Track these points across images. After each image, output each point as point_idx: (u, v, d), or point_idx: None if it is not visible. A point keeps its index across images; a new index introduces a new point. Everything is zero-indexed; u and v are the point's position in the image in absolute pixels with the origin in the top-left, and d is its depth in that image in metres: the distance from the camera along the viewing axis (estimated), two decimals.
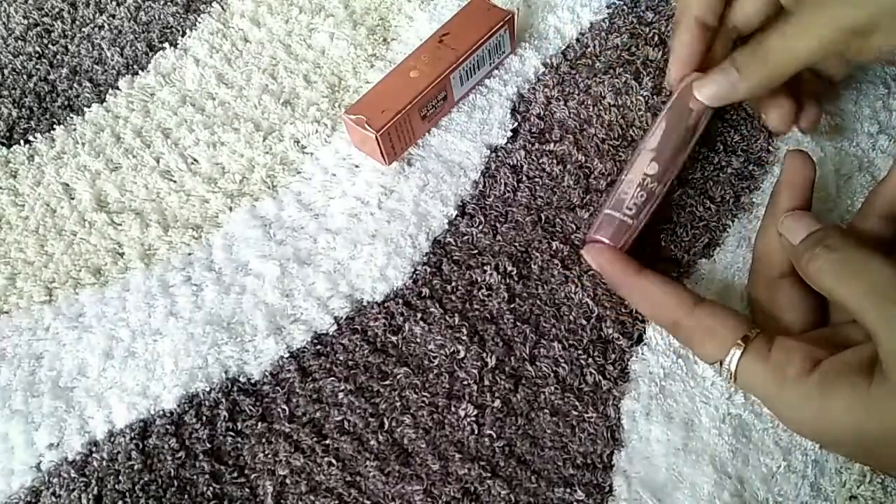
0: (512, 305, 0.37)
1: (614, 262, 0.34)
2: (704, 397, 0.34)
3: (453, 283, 0.38)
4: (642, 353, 0.36)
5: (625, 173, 0.36)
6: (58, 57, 0.51)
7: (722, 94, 0.34)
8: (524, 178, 0.41)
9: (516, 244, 0.39)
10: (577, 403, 0.35)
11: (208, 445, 0.35)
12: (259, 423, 0.35)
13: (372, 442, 0.34)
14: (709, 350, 0.31)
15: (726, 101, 0.35)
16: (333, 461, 0.34)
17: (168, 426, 0.35)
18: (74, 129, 0.47)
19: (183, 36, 0.51)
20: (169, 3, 0.53)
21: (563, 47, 0.46)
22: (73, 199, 0.44)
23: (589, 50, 0.46)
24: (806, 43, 0.31)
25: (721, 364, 0.30)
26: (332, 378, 0.36)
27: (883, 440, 0.26)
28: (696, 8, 0.35)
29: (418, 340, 0.37)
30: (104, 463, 0.35)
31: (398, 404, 0.35)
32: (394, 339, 0.37)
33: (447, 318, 0.37)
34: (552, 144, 0.42)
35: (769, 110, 0.37)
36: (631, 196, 0.35)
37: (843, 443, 0.28)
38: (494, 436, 0.34)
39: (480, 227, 0.40)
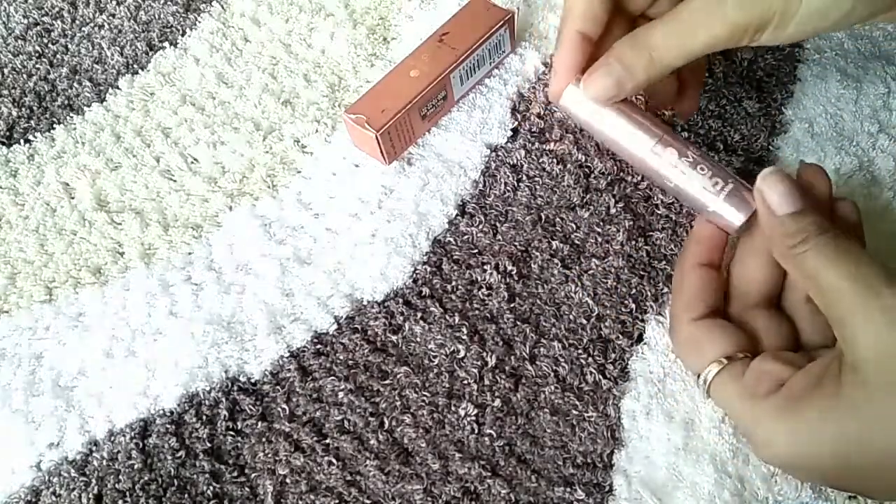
0: (512, 305, 0.37)
1: (690, 242, 0.33)
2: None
3: (453, 283, 0.38)
4: (642, 353, 0.36)
5: (668, 184, 0.32)
6: (58, 56, 0.51)
7: (608, 93, 0.32)
8: (524, 178, 0.42)
9: (516, 243, 0.39)
10: (577, 403, 0.35)
11: (208, 445, 0.35)
12: (259, 423, 0.35)
13: (372, 441, 0.34)
14: (690, 362, 0.32)
15: (615, 99, 0.32)
16: (333, 460, 0.34)
17: (168, 425, 0.35)
18: (74, 129, 0.47)
19: (183, 35, 0.51)
20: (169, 3, 0.53)
21: None
22: (73, 198, 0.44)
23: None
24: (697, 39, 0.29)
25: (698, 379, 0.31)
26: (332, 377, 0.36)
27: (865, 450, 0.25)
28: (577, 21, 0.33)
29: (418, 340, 0.37)
30: (104, 462, 0.35)
31: (398, 404, 0.35)
32: (394, 338, 0.37)
33: (447, 317, 0.37)
34: (552, 144, 0.42)
35: (651, 89, 0.35)
36: (698, 181, 0.31)
37: (821, 463, 0.27)
38: (494, 435, 0.34)
39: (480, 227, 0.40)
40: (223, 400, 0.36)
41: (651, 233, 0.39)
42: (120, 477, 0.34)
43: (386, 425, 0.35)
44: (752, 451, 0.32)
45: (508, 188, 0.41)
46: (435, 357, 0.36)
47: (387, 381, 0.36)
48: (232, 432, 0.35)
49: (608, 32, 0.34)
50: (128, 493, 0.34)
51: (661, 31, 0.30)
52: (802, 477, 0.31)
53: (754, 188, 0.30)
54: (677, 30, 0.30)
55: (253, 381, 0.37)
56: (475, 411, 0.35)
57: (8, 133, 0.48)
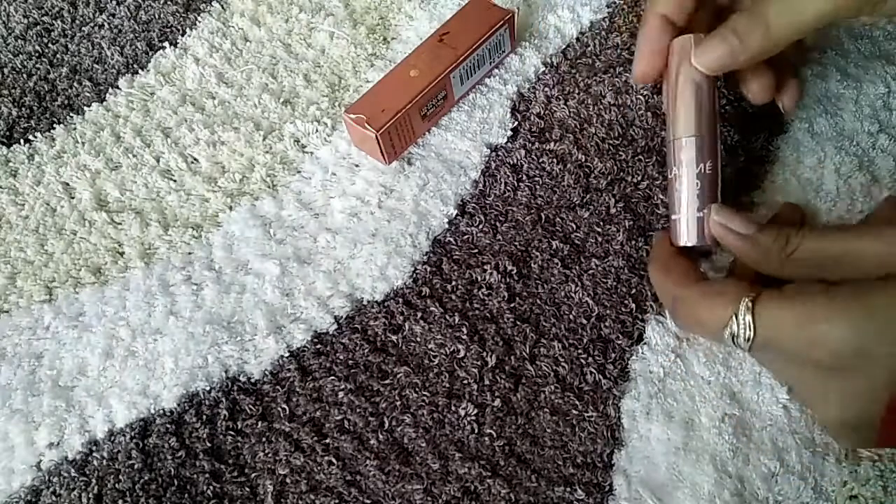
0: (512, 305, 0.37)
1: (659, 240, 0.36)
2: (704, 396, 0.34)
3: (453, 283, 0.38)
4: (642, 353, 0.36)
5: (671, 171, 0.34)
6: (58, 56, 0.51)
7: (721, 62, 0.33)
8: (524, 178, 0.41)
9: (516, 243, 0.39)
10: (577, 403, 0.35)
11: (208, 445, 0.35)
12: (259, 423, 0.35)
13: (372, 441, 0.34)
14: (717, 310, 0.30)
15: (725, 70, 0.33)
16: (333, 460, 0.34)
17: (168, 425, 0.35)
18: (74, 129, 0.47)
19: (183, 35, 0.51)
20: (169, 3, 0.53)
21: (564, 46, 0.46)
22: (73, 198, 0.44)
23: (589, 49, 0.46)
24: (817, 7, 0.30)
25: (736, 319, 0.29)
26: (333, 377, 0.36)
27: None
28: (664, 4, 0.34)
29: (418, 340, 0.37)
30: (104, 462, 0.35)
31: (398, 403, 0.35)
32: (394, 338, 0.37)
33: (447, 317, 0.37)
34: (552, 143, 0.42)
35: (750, 80, 0.36)
36: (688, 190, 0.33)
37: None
38: (494, 435, 0.34)
39: (480, 227, 0.40)
40: (223, 400, 0.36)
41: (651, 233, 0.39)
42: (120, 477, 0.34)
43: (386, 425, 0.35)
44: (818, 362, 0.29)
45: (508, 188, 0.41)
46: (435, 357, 0.36)
47: (387, 381, 0.36)
48: (232, 432, 0.35)
49: (693, 21, 0.35)
50: (128, 493, 0.34)
51: (775, 4, 0.31)
52: (873, 377, 0.28)
53: (713, 223, 0.32)
54: (790, 2, 0.30)
55: (253, 380, 0.37)
56: (475, 411, 0.35)
57: (8, 133, 0.48)
